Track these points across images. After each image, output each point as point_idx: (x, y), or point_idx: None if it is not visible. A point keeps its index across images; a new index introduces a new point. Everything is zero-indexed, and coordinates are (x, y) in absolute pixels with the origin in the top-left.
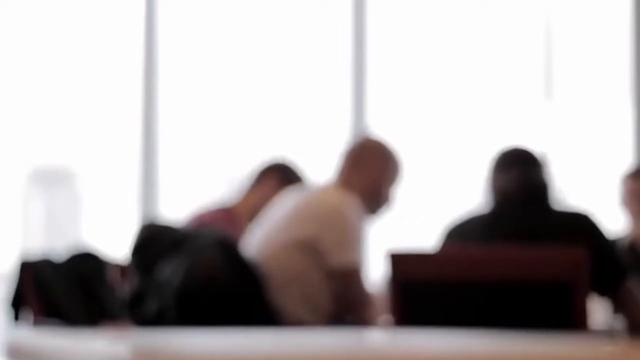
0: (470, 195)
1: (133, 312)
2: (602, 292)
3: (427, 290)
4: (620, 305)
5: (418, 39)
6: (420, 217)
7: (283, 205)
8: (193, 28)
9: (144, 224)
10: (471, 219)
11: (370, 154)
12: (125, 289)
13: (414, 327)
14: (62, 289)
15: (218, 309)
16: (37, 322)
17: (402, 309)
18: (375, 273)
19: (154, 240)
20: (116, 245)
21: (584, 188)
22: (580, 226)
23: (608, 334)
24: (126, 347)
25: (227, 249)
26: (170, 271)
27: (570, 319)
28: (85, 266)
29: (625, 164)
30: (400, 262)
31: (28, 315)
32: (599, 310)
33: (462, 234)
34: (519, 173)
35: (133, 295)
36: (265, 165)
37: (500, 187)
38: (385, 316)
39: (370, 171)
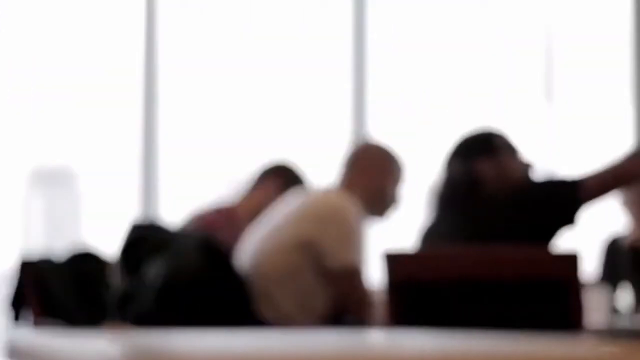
0: None
1: (122, 312)
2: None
3: (423, 290)
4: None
5: (418, 41)
6: (421, 219)
7: (283, 207)
8: (193, 30)
9: (133, 224)
10: (435, 223)
11: (371, 157)
12: (115, 289)
13: (411, 327)
14: (62, 289)
15: (198, 309)
16: (37, 322)
17: (399, 309)
18: (376, 274)
19: (142, 241)
20: (116, 246)
21: None
22: (516, 199)
23: (605, 333)
24: (126, 348)
25: (210, 250)
26: (154, 272)
27: (567, 318)
28: (85, 266)
29: None
30: (396, 263)
31: (28, 315)
32: (595, 309)
33: (431, 239)
34: (447, 176)
35: (121, 295)
36: (267, 167)
37: (438, 189)
38: (383, 316)
39: (372, 174)
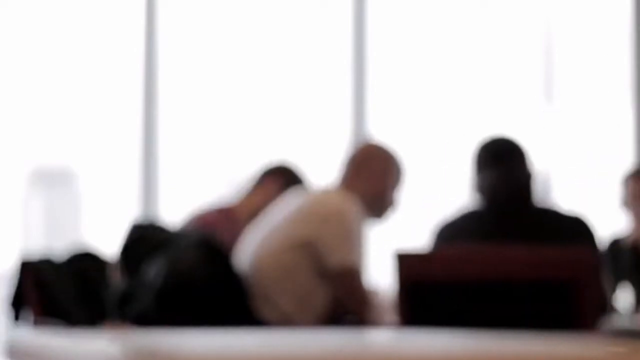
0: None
1: (122, 312)
2: None
3: (432, 290)
4: None
5: (418, 41)
6: (421, 219)
7: (283, 207)
8: (193, 30)
9: (132, 224)
10: (460, 219)
11: (372, 158)
12: (115, 288)
13: (420, 327)
14: (62, 289)
15: (197, 309)
16: (37, 322)
17: (408, 309)
18: (377, 274)
19: (142, 241)
20: (116, 245)
21: (584, 190)
22: (575, 231)
23: (613, 334)
24: (126, 347)
25: (209, 249)
26: (154, 271)
27: (576, 319)
28: (85, 266)
29: (626, 166)
30: (407, 262)
31: (28, 315)
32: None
33: (452, 234)
34: (502, 170)
35: (121, 295)
36: (268, 167)
37: (485, 186)
38: (391, 316)
39: (373, 175)
